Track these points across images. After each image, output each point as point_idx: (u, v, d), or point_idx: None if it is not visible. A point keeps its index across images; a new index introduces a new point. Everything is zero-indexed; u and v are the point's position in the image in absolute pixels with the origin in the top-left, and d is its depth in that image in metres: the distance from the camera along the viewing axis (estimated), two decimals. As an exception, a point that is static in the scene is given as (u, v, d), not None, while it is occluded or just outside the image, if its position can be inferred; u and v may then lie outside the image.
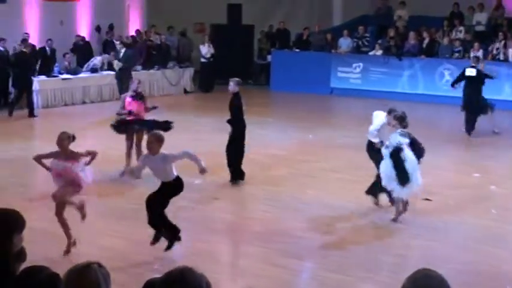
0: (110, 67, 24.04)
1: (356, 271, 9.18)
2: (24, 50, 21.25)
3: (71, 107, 21.49)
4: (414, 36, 25.13)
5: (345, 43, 26.41)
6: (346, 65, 25.95)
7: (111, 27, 26.30)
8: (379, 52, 25.54)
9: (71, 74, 23.14)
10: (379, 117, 11.81)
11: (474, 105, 18.24)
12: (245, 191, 12.98)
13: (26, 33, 22.80)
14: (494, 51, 23.75)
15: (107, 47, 25.51)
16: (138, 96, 14.14)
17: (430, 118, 21.03)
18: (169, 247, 9.44)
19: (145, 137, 11.94)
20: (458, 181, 13.87)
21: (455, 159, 16.04)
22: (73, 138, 9.42)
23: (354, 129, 18.97)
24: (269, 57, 28.37)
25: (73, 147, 9.54)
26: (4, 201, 11.23)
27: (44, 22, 24.83)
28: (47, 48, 23.51)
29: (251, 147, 13.82)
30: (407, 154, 10.82)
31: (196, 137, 17.68)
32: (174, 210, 9.95)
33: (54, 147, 9.62)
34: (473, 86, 18.36)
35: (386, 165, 10.96)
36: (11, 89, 21.98)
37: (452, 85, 19.31)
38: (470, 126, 18.28)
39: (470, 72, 18.56)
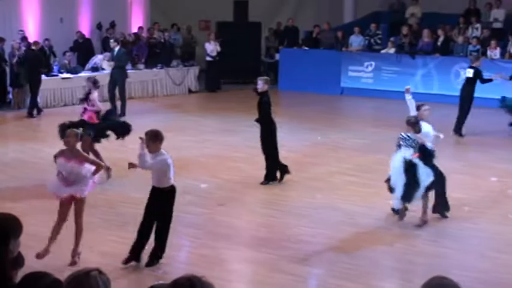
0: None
1: (367, 279, 9.16)
2: (33, 47, 21.44)
3: (71, 107, 21.48)
4: (428, 33, 25.08)
5: (356, 41, 26.39)
6: (358, 64, 25.92)
7: (112, 24, 26.32)
8: (392, 50, 25.51)
9: (71, 73, 23.18)
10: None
11: (465, 107, 18.38)
12: (251, 195, 12.97)
13: (21, 31, 22.82)
14: (512, 50, 23.73)
15: (108, 45, 25.53)
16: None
17: (444, 119, 21.01)
18: (150, 264, 9.39)
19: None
20: (475, 185, 13.83)
21: (471, 162, 15.98)
22: (81, 136, 9.42)
23: (365, 131, 18.98)
24: (277, 56, 28.36)
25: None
26: (0, 205, 11.26)
27: (43, 19, 24.87)
28: (45, 48, 23.54)
29: (259, 150, 13.80)
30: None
31: (200, 139, 17.68)
32: (178, 215, 9.94)
33: (52, 150, 9.64)
34: (469, 87, 18.45)
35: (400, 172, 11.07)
36: (9, 89, 22.06)
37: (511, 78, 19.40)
38: (456, 125, 18.37)
39: (468, 73, 18.65)
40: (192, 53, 28.95)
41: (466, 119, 18.49)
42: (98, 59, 23.98)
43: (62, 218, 9.43)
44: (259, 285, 9.01)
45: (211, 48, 26.64)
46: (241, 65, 27.73)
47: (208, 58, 26.84)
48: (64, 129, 13.18)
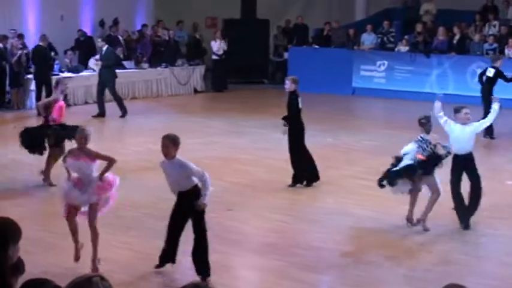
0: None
1: (379, 286, 9.14)
2: (41, 44, 21.60)
3: (72, 107, 21.52)
4: (444, 31, 25.04)
5: (369, 39, 26.36)
6: (370, 63, 25.90)
7: (115, 21, 26.33)
8: (406, 49, 25.47)
9: (73, 72, 23.20)
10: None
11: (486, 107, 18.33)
12: (260, 199, 12.95)
13: (13, 30, 22.83)
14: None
15: (111, 42, 25.56)
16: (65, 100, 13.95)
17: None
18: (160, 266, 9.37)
19: None
20: (491, 189, 13.74)
21: (487, 165, 15.89)
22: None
23: (377, 133, 18.96)
24: (286, 55, 28.34)
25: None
26: None
27: (43, 16, 24.90)
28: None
29: (267, 151, 13.81)
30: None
31: (207, 140, 17.68)
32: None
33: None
34: (489, 86, 18.43)
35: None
36: (8, 89, 22.10)
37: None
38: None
39: (489, 72, 18.62)
40: (198, 51, 28.98)
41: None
42: (91, 62, 23.85)
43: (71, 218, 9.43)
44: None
45: (217, 47, 26.65)
46: (249, 64, 27.73)
47: (214, 57, 26.85)
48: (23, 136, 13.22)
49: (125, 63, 24.75)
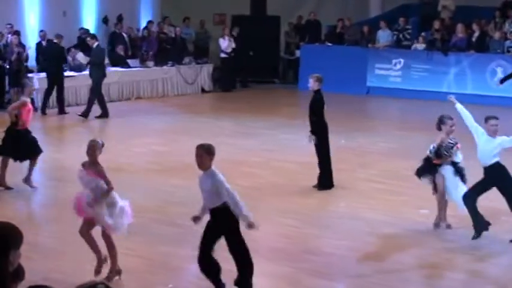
0: (116, 63, 24.29)
1: (395, 295, 9.15)
2: (55, 41, 21.75)
3: (75, 107, 21.58)
4: (462, 28, 25.01)
5: (384, 36, 26.35)
6: (385, 61, 25.90)
7: (120, 18, 26.40)
8: (423, 46, 25.46)
9: (75, 71, 23.26)
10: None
11: None
12: (270, 203, 12.96)
13: (9, 24, 22.93)
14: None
15: (115, 40, 25.65)
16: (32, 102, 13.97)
17: (479, 122, 20.90)
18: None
19: None
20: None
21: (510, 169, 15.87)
22: (102, 146, 9.41)
23: (393, 134, 18.96)
24: (297, 53, 28.39)
25: (79, 154, 9.55)
26: (0, 213, 11.32)
27: (45, 12, 24.99)
28: (43, 42, 23.68)
29: (276, 153, 13.82)
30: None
31: (214, 141, 17.53)
32: (190, 224, 9.94)
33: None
34: None
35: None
36: (8, 88, 22.18)
37: (501, 82, 19.32)
38: None
39: None
40: (205, 49, 29.04)
41: None
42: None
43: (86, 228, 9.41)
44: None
45: (226, 44, 26.69)
46: (259, 63, 27.76)
47: (222, 55, 26.89)
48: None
49: (130, 61, 24.83)
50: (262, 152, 16.68)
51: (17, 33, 22.65)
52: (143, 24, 27.73)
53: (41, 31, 23.78)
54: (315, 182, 13.84)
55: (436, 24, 25.58)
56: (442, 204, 11.38)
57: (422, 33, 25.90)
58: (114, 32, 26.10)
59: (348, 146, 17.58)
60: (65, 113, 21.46)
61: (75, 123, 20.51)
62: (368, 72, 26.16)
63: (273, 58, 28.82)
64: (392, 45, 26.28)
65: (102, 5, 26.98)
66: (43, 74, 22.36)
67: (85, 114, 20.67)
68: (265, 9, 29.34)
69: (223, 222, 8.78)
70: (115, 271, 9.37)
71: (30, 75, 22.12)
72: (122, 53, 24.86)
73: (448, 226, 11.41)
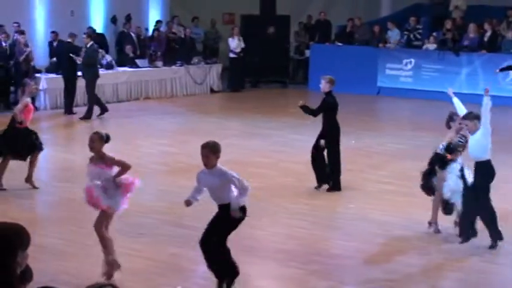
0: (125, 63, 24.34)
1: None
2: (69, 40, 21.81)
3: (82, 107, 21.63)
4: (474, 28, 24.98)
5: (393, 36, 26.33)
6: (396, 61, 25.89)
7: (128, 18, 26.44)
8: (434, 46, 25.45)
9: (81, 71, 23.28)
10: None
11: None
12: (279, 205, 12.98)
13: (16, 23, 22.97)
14: None
15: (123, 40, 25.69)
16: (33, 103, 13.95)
17: (492, 123, 20.88)
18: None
19: None
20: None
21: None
22: (107, 138, 9.43)
23: (403, 135, 18.95)
24: (307, 52, 28.39)
25: (86, 154, 9.59)
26: (7, 214, 11.39)
27: (52, 12, 25.05)
28: (54, 43, 23.76)
29: (286, 154, 13.85)
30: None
31: (223, 142, 17.56)
32: (198, 226, 9.99)
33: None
34: None
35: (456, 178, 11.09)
36: (12, 89, 22.22)
37: (501, 70, 19.40)
38: None
39: None
40: (215, 49, 29.09)
41: None
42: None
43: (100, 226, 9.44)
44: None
45: (235, 44, 26.71)
46: (268, 63, 27.76)
47: (231, 55, 26.92)
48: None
49: (138, 61, 24.87)
50: (271, 152, 16.71)
51: (22, 32, 22.67)
52: (152, 23, 27.75)
53: (53, 32, 23.82)
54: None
55: (448, 24, 25.56)
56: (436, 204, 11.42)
57: (433, 33, 25.89)
58: (123, 31, 26.14)
59: (358, 147, 17.59)
60: (73, 113, 21.54)
61: (82, 123, 20.57)
62: (379, 72, 26.16)
63: (282, 58, 28.78)
64: (402, 45, 26.25)
65: (111, 5, 27.03)
66: (52, 75, 22.44)
67: (85, 117, 20.77)
68: (275, 8, 29.32)
69: (228, 217, 8.86)
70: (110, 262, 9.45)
71: (37, 75, 22.19)
72: (130, 52, 24.91)
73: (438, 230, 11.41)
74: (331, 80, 13.66)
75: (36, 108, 18.52)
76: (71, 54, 21.35)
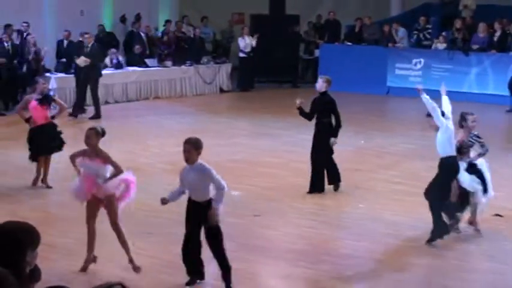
0: (134, 62, 24.36)
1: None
2: (80, 39, 21.98)
3: (92, 107, 21.64)
4: (484, 28, 24.91)
5: (399, 35, 26.25)
6: (405, 61, 25.83)
7: (138, 17, 26.47)
8: (443, 46, 25.38)
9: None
10: None
11: None
12: (288, 205, 12.97)
13: (26, 23, 22.98)
14: None
15: (133, 39, 25.71)
16: (46, 100, 13.83)
17: (501, 122, 20.88)
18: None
19: None
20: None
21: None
22: (102, 133, 9.45)
23: (413, 135, 18.91)
24: (317, 52, 28.36)
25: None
26: (17, 213, 11.41)
27: (62, 12, 25.07)
28: (65, 41, 23.79)
29: (294, 154, 13.83)
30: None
31: (231, 142, 17.73)
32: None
33: (67, 156, 9.74)
34: None
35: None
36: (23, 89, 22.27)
37: None
38: None
39: None
40: (227, 48, 29.14)
41: None
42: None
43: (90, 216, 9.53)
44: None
45: (244, 44, 26.69)
46: (277, 62, 27.74)
47: (241, 54, 26.90)
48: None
49: (148, 61, 24.88)
50: (280, 152, 16.69)
51: (28, 33, 22.70)
52: (161, 23, 27.76)
53: (66, 31, 23.82)
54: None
55: (457, 24, 25.47)
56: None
57: (443, 33, 25.82)
58: (132, 31, 26.17)
59: (367, 147, 17.57)
60: (84, 113, 21.46)
61: (92, 123, 20.54)
62: (388, 72, 26.10)
63: (291, 58, 28.73)
64: (412, 44, 26.20)
65: (120, 4, 27.05)
66: (61, 74, 22.46)
67: (95, 117, 20.76)
68: (284, 8, 29.31)
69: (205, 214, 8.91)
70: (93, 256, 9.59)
71: (47, 74, 22.20)
72: (139, 52, 24.92)
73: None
74: (328, 80, 13.68)
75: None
76: (75, 57, 21.47)
